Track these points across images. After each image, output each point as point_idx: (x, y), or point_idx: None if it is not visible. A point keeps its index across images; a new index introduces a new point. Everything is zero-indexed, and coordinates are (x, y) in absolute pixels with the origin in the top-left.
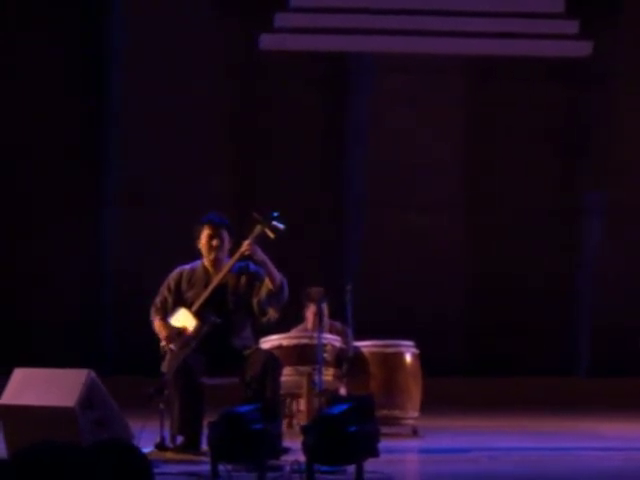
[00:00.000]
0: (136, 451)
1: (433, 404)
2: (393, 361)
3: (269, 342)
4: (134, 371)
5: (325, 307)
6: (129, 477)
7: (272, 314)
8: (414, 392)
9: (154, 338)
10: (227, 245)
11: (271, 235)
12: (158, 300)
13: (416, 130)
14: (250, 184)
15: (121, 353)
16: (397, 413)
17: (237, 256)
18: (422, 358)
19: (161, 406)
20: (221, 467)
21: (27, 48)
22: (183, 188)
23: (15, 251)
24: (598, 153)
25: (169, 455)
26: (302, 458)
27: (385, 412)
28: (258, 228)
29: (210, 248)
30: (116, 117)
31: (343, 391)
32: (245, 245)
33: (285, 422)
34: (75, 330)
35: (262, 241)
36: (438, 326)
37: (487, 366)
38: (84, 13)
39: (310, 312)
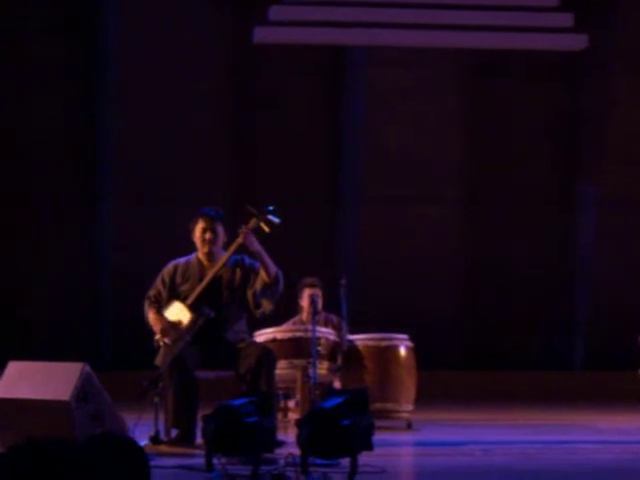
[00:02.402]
0: (133, 444)
1: (429, 397)
2: (387, 354)
3: (263, 335)
4: (130, 365)
5: (319, 293)
6: (126, 470)
7: (266, 306)
8: (408, 385)
9: (149, 332)
10: (222, 239)
11: (266, 229)
12: (152, 294)
13: (414, 124)
14: (248, 178)
15: (118, 348)
16: (391, 406)
17: (233, 248)
18: (420, 352)
19: (155, 399)
20: (215, 460)
21: (26, 47)
22: (182, 185)
23: (15, 250)
24: (595, 147)
25: (163, 448)
26: (296, 451)
27: (379, 405)
28: (253, 221)
29: (204, 241)
30: (113, 117)
31: (337, 384)
32: (241, 234)
33: (280, 415)
34: (73, 325)
35: (257, 235)
36: (435, 320)
37: (483, 359)
38: (82, 15)
39: (305, 300)
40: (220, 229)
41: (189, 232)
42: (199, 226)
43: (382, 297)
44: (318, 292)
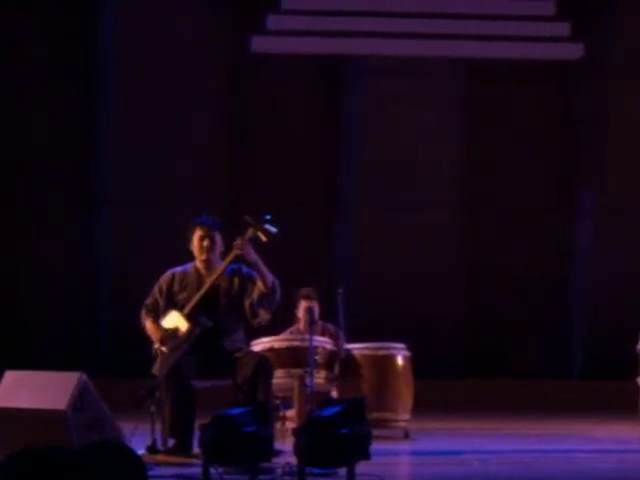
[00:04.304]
0: (130, 453)
1: (426, 406)
2: (384, 364)
3: (260, 344)
4: (130, 366)
5: (316, 305)
6: (123, 478)
7: (264, 316)
8: (405, 395)
9: (147, 340)
10: (219, 247)
11: (263, 238)
12: (149, 302)
13: (412, 128)
14: (247, 180)
15: (118, 348)
16: (388, 416)
17: (231, 257)
18: (419, 354)
19: (152, 409)
20: (212, 470)
21: (26, 47)
22: (182, 186)
23: (15, 250)
24: (594, 151)
25: (160, 458)
26: (294, 460)
27: (376, 415)
28: (250, 231)
29: (201, 249)
30: (113, 117)
31: (335, 393)
32: (238, 245)
33: (277, 424)
34: (73, 326)
35: (254, 244)
36: (435, 323)
37: (480, 368)
38: (81, 16)
39: (302, 311)
40: (218, 238)
41: (187, 242)
42: (197, 234)
43: (381, 300)
44: (314, 304)
